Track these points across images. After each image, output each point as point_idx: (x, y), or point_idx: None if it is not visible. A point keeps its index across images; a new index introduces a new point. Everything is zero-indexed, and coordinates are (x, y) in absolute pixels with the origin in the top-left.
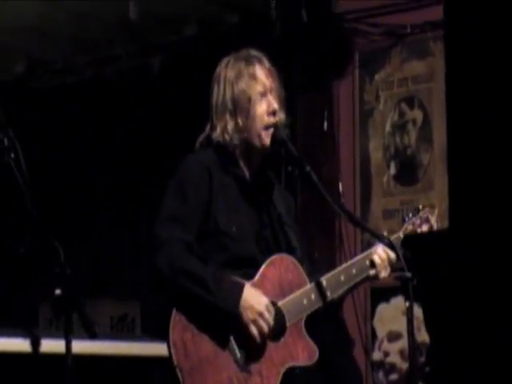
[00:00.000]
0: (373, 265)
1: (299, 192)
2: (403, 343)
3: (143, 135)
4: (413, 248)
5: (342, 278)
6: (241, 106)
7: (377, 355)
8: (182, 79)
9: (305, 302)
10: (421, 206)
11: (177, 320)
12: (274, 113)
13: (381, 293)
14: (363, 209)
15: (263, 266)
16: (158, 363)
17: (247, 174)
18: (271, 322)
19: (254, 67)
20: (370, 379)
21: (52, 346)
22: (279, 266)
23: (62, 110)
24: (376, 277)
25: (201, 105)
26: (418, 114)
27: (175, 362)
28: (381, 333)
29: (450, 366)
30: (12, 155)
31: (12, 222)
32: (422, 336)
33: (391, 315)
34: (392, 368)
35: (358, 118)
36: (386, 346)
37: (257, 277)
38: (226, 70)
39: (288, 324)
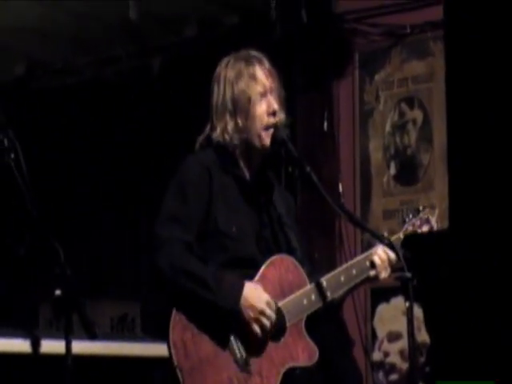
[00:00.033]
0: (373, 265)
1: (299, 192)
2: (403, 343)
3: (143, 135)
4: (413, 248)
5: (342, 278)
6: (241, 107)
7: (377, 355)
8: (182, 80)
9: (305, 302)
10: (421, 207)
11: (177, 320)
12: (273, 113)
13: (381, 293)
14: (363, 209)
15: (263, 267)
16: (158, 363)
17: (247, 174)
18: (273, 317)
19: (253, 67)
20: (370, 379)
21: (52, 346)
22: (279, 266)
23: (62, 111)
24: (376, 277)
25: (201, 105)
26: (418, 114)
27: (175, 362)
28: (381, 333)
29: (450, 366)
30: (12, 156)
31: (12, 222)
32: (422, 336)
33: (391, 315)
34: (392, 368)
35: (358, 118)
36: (386, 346)
37: (257, 277)
38: (226, 70)
39: (288, 324)
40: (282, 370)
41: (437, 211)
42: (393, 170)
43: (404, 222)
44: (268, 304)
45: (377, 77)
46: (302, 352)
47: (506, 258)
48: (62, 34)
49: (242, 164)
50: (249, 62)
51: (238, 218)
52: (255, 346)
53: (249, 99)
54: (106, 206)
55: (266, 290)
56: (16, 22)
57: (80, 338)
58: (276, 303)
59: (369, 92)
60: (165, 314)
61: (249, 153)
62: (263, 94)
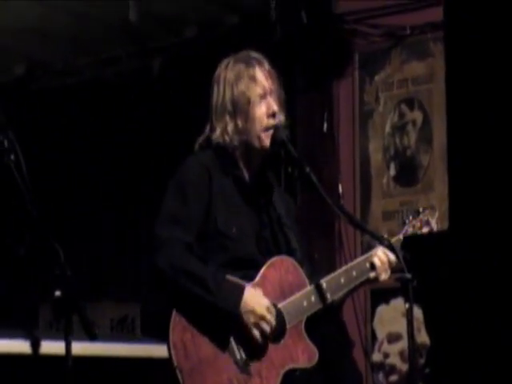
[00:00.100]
0: (373, 267)
1: (299, 193)
2: (403, 344)
3: (143, 136)
4: (413, 249)
5: (342, 280)
6: (240, 108)
7: (377, 356)
8: (182, 80)
9: (305, 304)
10: (421, 208)
11: (177, 321)
12: (273, 115)
13: (380, 294)
14: (363, 210)
15: (263, 268)
16: (158, 364)
17: (247, 175)
18: (273, 323)
19: (253, 69)
20: (370, 380)
21: (52, 347)
22: (279, 267)
23: (62, 111)
24: (376, 279)
25: (200, 106)
26: (417, 115)
27: (175, 363)
28: (381, 334)
29: (450, 367)
30: (12, 157)
31: (12, 222)
32: (422, 337)
33: (391, 316)
34: (392, 369)
35: (358, 119)
36: (385, 347)
37: (257, 278)
38: (226, 71)
39: (288, 326)
40: (282, 372)
41: (437, 212)
42: (392, 171)
43: (404, 223)
44: (268, 309)
45: (377, 78)
46: (301, 353)
47: (506, 259)
48: (62, 35)
49: (241, 165)
50: (249, 63)
51: (237, 219)
52: (255, 349)
53: (248, 101)
54: (106, 205)
55: (265, 291)
56: (16, 23)
57: (80, 339)
58: (276, 306)
59: (369, 93)
60: (165, 314)
61: (248, 154)
62: (263, 96)
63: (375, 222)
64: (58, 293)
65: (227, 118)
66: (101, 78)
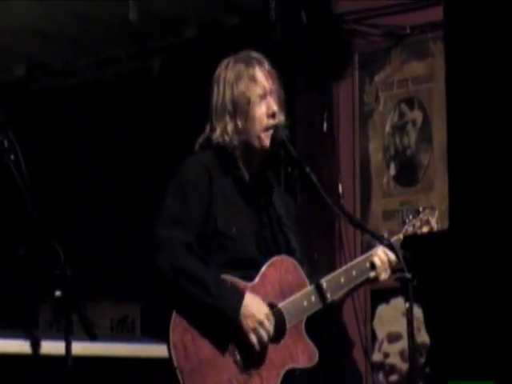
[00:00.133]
0: (373, 267)
1: (299, 193)
2: (403, 344)
3: (143, 136)
4: (413, 249)
5: (342, 280)
6: (240, 108)
7: (377, 356)
8: (182, 81)
9: (305, 303)
10: (421, 208)
11: (177, 322)
12: (273, 115)
13: (380, 294)
14: (363, 210)
15: (263, 268)
16: (158, 365)
17: (247, 175)
18: (271, 330)
19: (253, 69)
20: (370, 380)
21: (52, 347)
22: (279, 267)
23: (62, 112)
24: (376, 279)
25: (200, 106)
26: (417, 115)
27: (175, 364)
28: (381, 334)
29: (450, 366)
30: (12, 157)
31: (12, 222)
32: (422, 337)
33: (391, 316)
34: (392, 369)
35: (358, 119)
36: (385, 347)
37: (257, 278)
38: (226, 71)
39: (288, 326)
40: (282, 372)
41: (437, 212)
42: (392, 171)
43: (404, 222)
44: (267, 316)
45: (376, 77)
46: (301, 353)
47: (506, 258)
48: (62, 35)
49: (241, 165)
50: (249, 63)
51: (237, 219)
52: (253, 353)
53: (248, 101)
54: (106, 205)
55: (266, 290)
56: (16, 23)
57: (80, 339)
58: (276, 305)
59: (368, 93)
60: (165, 315)
61: (248, 154)
62: (263, 96)
63: (375, 222)
64: (58, 293)
65: (227, 118)
66: (101, 79)
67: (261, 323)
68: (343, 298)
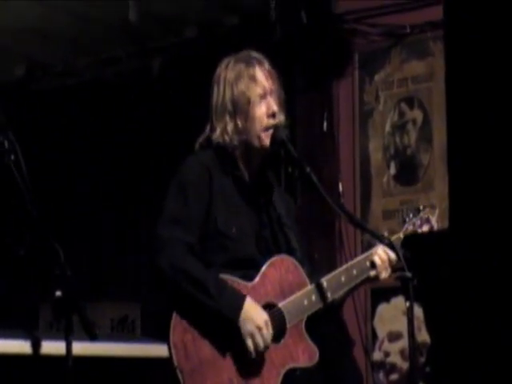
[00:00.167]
0: (373, 266)
1: (299, 193)
2: (403, 343)
3: (143, 136)
4: (413, 248)
5: (343, 279)
6: (240, 108)
7: (377, 355)
8: (182, 81)
9: (305, 303)
10: (421, 207)
11: (177, 321)
12: (273, 115)
13: (381, 293)
14: (363, 209)
15: (264, 267)
16: (159, 365)
17: (247, 175)
18: (269, 339)
19: (254, 69)
20: (370, 379)
21: (52, 347)
22: (280, 267)
23: (62, 112)
24: (376, 278)
25: (200, 106)
26: (417, 114)
27: (175, 364)
28: (381, 333)
29: (451, 366)
30: (12, 157)
31: (12, 222)
32: (423, 336)
33: (391, 315)
34: (392, 368)
35: (358, 119)
36: (386, 346)
37: (257, 278)
38: (226, 71)
39: (288, 325)
40: (283, 371)
41: (437, 211)
42: (393, 170)
43: (404, 221)
44: (266, 323)
45: (376, 77)
46: (302, 353)
47: (506, 258)
48: (62, 35)
49: (241, 165)
50: (249, 63)
51: (237, 219)
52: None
53: (248, 101)
54: (106, 206)
55: (266, 290)
56: (16, 23)
57: (80, 339)
58: (276, 304)
59: (368, 92)
60: (165, 315)
61: (248, 154)
62: (263, 96)
63: (375, 221)
64: (58, 293)
65: (227, 117)
66: (101, 79)
67: (259, 328)
68: (344, 297)
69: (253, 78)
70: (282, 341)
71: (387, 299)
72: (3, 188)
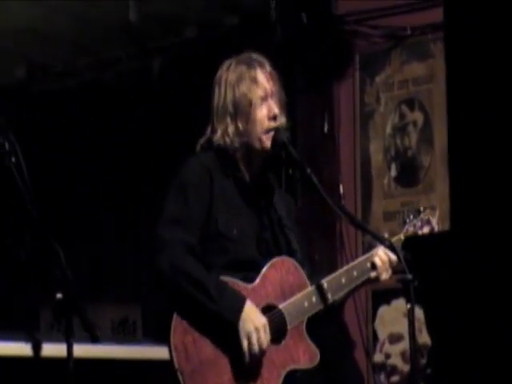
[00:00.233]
0: (374, 267)
1: (300, 194)
2: (404, 345)
3: (143, 136)
4: (414, 250)
5: (343, 280)
6: (241, 110)
7: (378, 357)
8: (182, 81)
9: (306, 304)
10: (422, 208)
11: (178, 323)
12: (274, 117)
13: (382, 295)
14: (364, 211)
15: (264, 269)
16: (160, 366)
17: (247, 176)
18: (264, 343)
19: (255, 71)
20: (371, 381)
21: (53, 349)
22: (280, 268)
23: (63, 113)
24: (377, 279)
25: (201, 106)
26: (418, 116)
27: (176, 365)
28: (382, 335)
29: (452, 367)
30: (13, 159)
31: (12, 224)
32: (424, 338)
33: (392, 317)
34: (393, 370)
35: (359, 120)
36: (387, 348)
37: (258, 279)
38: (228, 72)
39: (289, 327)
40: (283, 373)
41: (437, 212)
42: (393, 172)
43: (404, 222)
44: (264, 327)
45: (377, 78)
46: (302, 354)
47: (507, 260)
48: (62, 36)
49: (242, 167)
50: (250, 65)
51: (238, 221)
52: (254, 355)
53: (250, 103)
54: (106, 205)
55: (266, 291)
56: (16, 24)
57: (81, 341)
58: (277, 306)
59: (369, 94)
60: (166, 316)
61: (249, 155)
62: (264, 98)
63: (376, 223)
64: (59, 295)
65: (228, 119)
66: (101, 79)
67: (257, 330)
68: (344, 299)
69: (254, 80)
70: (283, 342)
71: (388, 301)
72: (4, 189)
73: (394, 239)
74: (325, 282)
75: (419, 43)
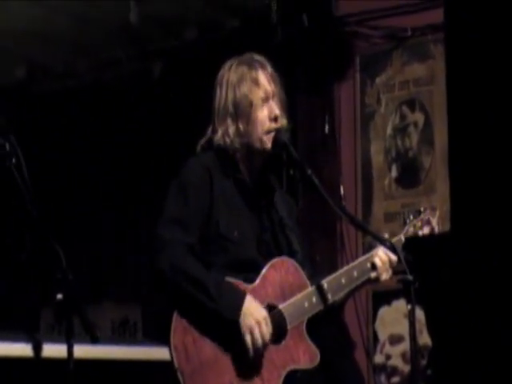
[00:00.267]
0: (374, 267)
1: (300, 195)
2: (405, 346)
3: (143, 138)
4: (414, 251)
5: (343, 280)
6: (242, 111)
7: (379, 358)
8: (183, 83)
9: (306, 304)
10: (422, 208)
11: (178, 323)
12: (275, 118)
13: (382, 296)
14: (364, 212)
15: (264, 269)
16: (160, 367)
17: (248, 177)
18: (267, 335)
19: (256, 72)
20: (371, 382)
21: (54, 350)
22: (280, 269)
23: (63, 114)
24: (377, 279)
25: (201, 108)
26: (419, 117)
27: (176, 366)
28: (382, 336)
29: (452, 368)
30: (13, 160)
31: (12, 224)
32: (424, 339)
33: (393, 318)
34: (394, 371)
35: (360, 121)
36: (387, 348)
37: (258, 280)
38: (229, 73)
39: (289, 327)
40: (283, 373)
41: (438, 213)
42: (394, 173)
43: (405, 223)
44: (265, 320)
45: (378, 79)
46: (303, 354)
47: (507, 260)
48: (63, 38)
49: (242, 167)
50: (252, 66)
51: (239, 222)
52: (254, 355)
53: (251, 104)
54: (106, 206)
55: (266, 292)
56: (16, 25)
57: (82, 341)
58: (277, 306)
59: (370, 95)
60: (166, 316)
61: (250, 156)
62: (265, 99)
63: (377, 224)
64: (59, 296)
65: (229, 120)
66: (101, 81)
67: (258, 323)
68: (344, 299)
69: (255, 81)
70: (283, 342)
71: (388, 302)
72: (4, 189)
73: (394, 239)
74: (325, 283)
75: (420, 44)
